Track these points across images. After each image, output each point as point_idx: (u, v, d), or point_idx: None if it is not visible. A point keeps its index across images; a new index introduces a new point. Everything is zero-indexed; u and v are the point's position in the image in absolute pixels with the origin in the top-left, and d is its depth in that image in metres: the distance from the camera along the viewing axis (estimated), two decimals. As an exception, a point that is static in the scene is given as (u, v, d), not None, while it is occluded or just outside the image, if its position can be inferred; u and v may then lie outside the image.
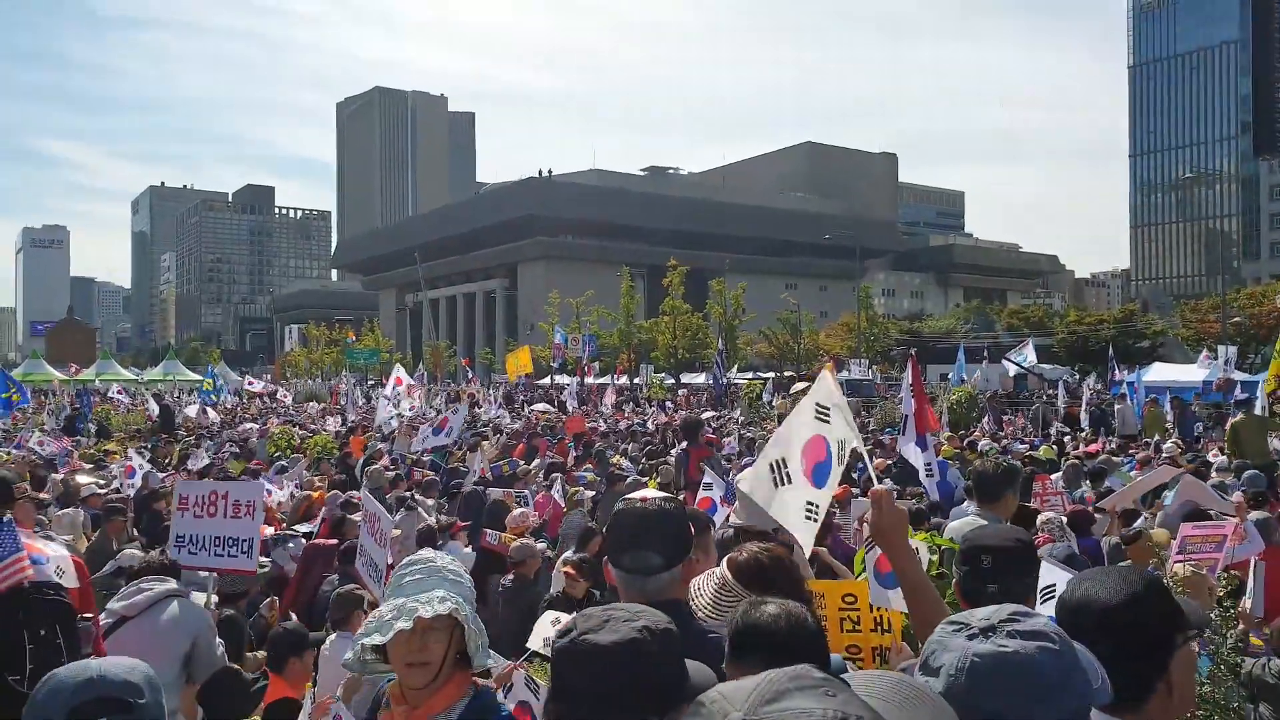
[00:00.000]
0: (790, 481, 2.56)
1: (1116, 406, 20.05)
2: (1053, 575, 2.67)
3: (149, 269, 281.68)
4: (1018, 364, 34.39)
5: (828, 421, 2.62)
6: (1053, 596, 2.45)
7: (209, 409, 27.67)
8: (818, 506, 2.56)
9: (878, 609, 3.14)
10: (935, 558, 3.49)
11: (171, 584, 4.43)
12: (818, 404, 2.66)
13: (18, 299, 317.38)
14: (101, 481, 12.26)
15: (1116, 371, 27.32)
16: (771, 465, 2.65)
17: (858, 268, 66.41)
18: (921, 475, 7.27)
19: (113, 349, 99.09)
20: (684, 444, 10.90)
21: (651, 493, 2.64)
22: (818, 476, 2.58)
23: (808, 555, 2.44)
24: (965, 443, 15.08)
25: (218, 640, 4.42)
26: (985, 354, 37.20)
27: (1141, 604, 1.70)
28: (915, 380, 7.97)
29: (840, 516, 7.20)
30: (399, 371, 22.28)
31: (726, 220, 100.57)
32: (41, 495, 10.13)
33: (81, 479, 12.55)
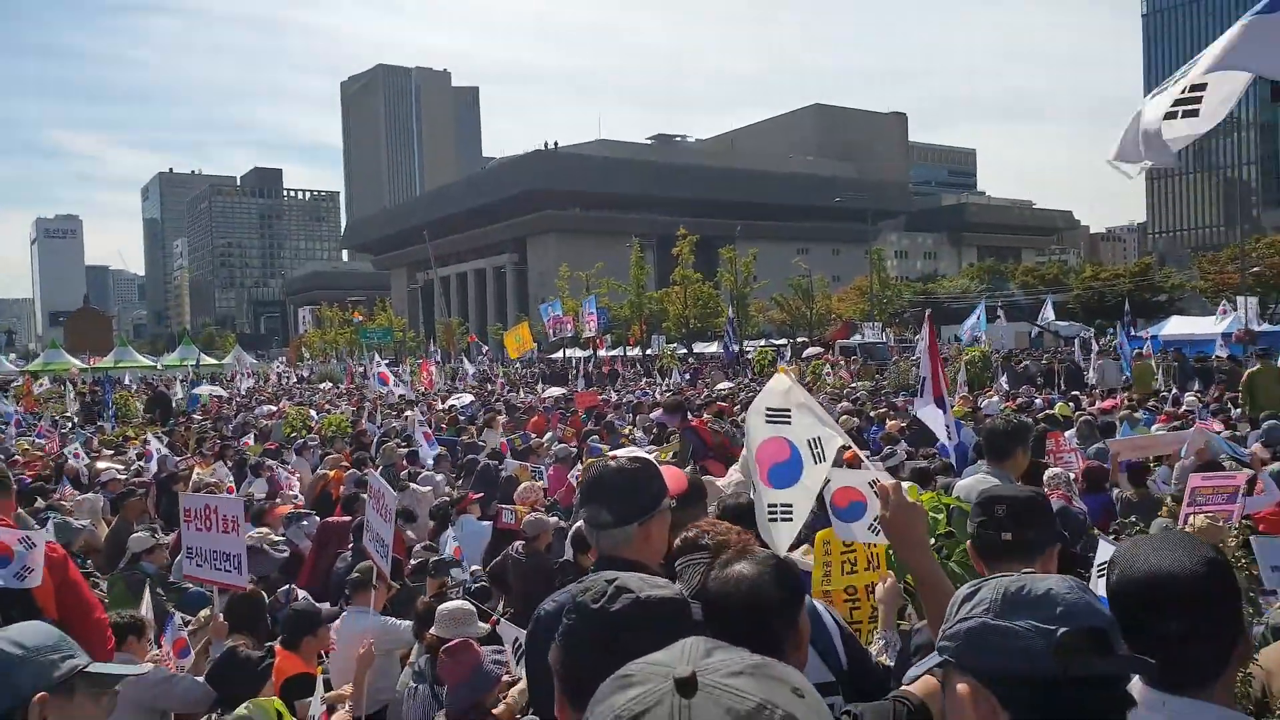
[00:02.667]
0: (756, 488, 2.62)
1: (1096, 362, 19.86)
2: (1108, 552, 2.61)
3: (162, 255, 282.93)
4: (1042, 326, 34.27)
5: (787, 423, 2.63)
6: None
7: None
8: (780, 505, 2.59)
9: (871, 547, 3.23)
10: (942, 516, 3.47)
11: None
12: (768, 409, 2.67)
13: (35, 289, 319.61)
14: (120, 466, 12.39)
15: (1132, 328, 27.09)
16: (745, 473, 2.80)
17: (870, 230, 66.00)
18: (942, 437, 7.20)
19: (130, 336, 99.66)
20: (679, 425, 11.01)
21: (624, 452, 2.66)
22: (776, 478, 2.60)
23: (781, 555, 2.42)
24: (976, 401, 15.05)
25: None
26: (999, 313, 36.99)
27: (1216, 576, 1.57)
28: (931, 341, 7.87)
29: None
30: (382, 367, 23.42)
31: (736, 187, 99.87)
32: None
33: (101, 464, 12.70)
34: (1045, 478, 5.74)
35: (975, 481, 4.02)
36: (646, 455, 2.64)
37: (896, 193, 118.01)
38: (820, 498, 2.79)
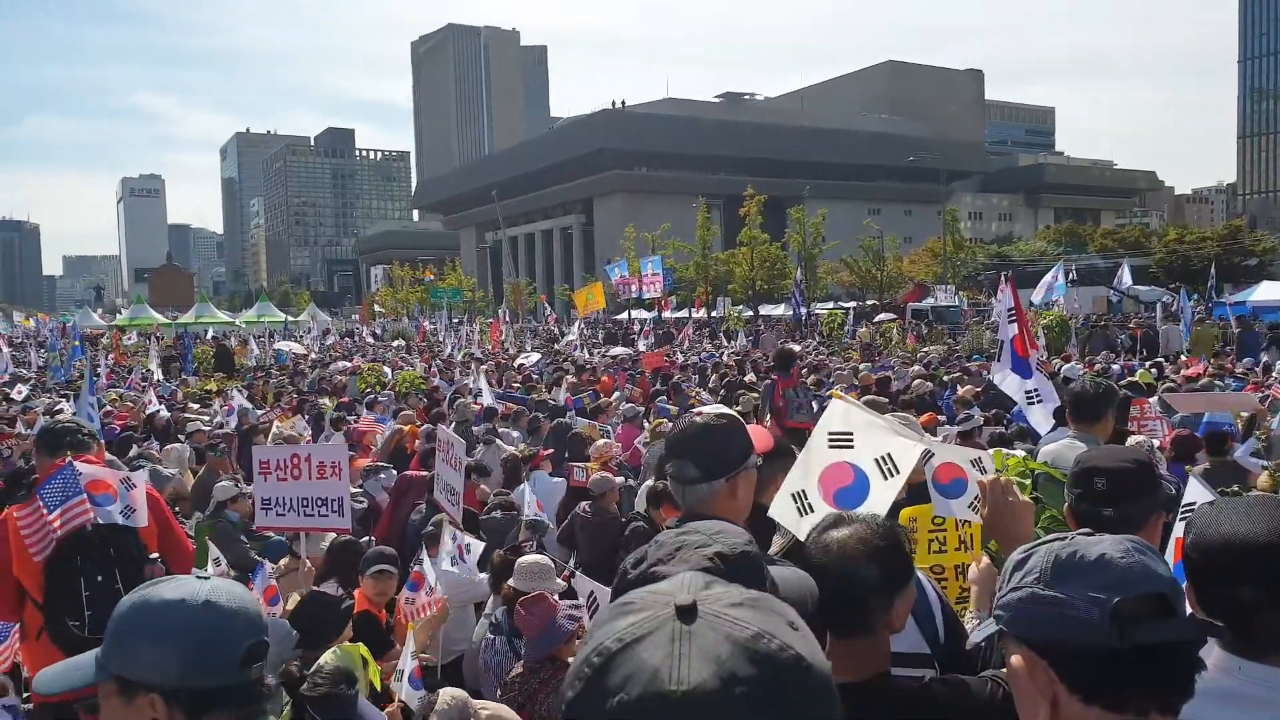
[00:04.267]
0: (813, 510, 2.55)
1: (1162, 327, 19.10)
2: (1197, 494, 2.47)
3: (239, 214, 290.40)
4: (1117, 289, 33.04)
5: (850, 447, 2.60)
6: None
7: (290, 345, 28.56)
8: None
9: (963, 527, 3.17)
10: (1029, 482, 3.38)
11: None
12: (830, 433, 2.65)
13: (121, 247, 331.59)
14: (206, 418, 12.86)
15: (1216, 293, 25.97)
16: (793, 496, 2.64)
17: (943, 190, 64.27)
18: (1023, 403, 6.99)
19: (209, 292, 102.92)
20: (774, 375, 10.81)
21: (710, 408, 2.67)
22: (842, 501, 2.56)
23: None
24: (1055, 368, 14.63)
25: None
26: (1075, 276, 35.76)
27: None
28: (1015, 303, 7.63)
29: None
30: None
31: (805, 145, 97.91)
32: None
33: (187, 415, 13.20)
34: (1129, 446, 5.54)
35: (1063, 447, 3.90)
36: (733, 412, 2.62)
37: (971, 152, 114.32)
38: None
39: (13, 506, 3.70)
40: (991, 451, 3.52)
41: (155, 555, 3.82)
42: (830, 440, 2.65)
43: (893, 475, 2.53)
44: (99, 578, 3.57)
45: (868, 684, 1.81)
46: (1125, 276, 32.98)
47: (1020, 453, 4.30)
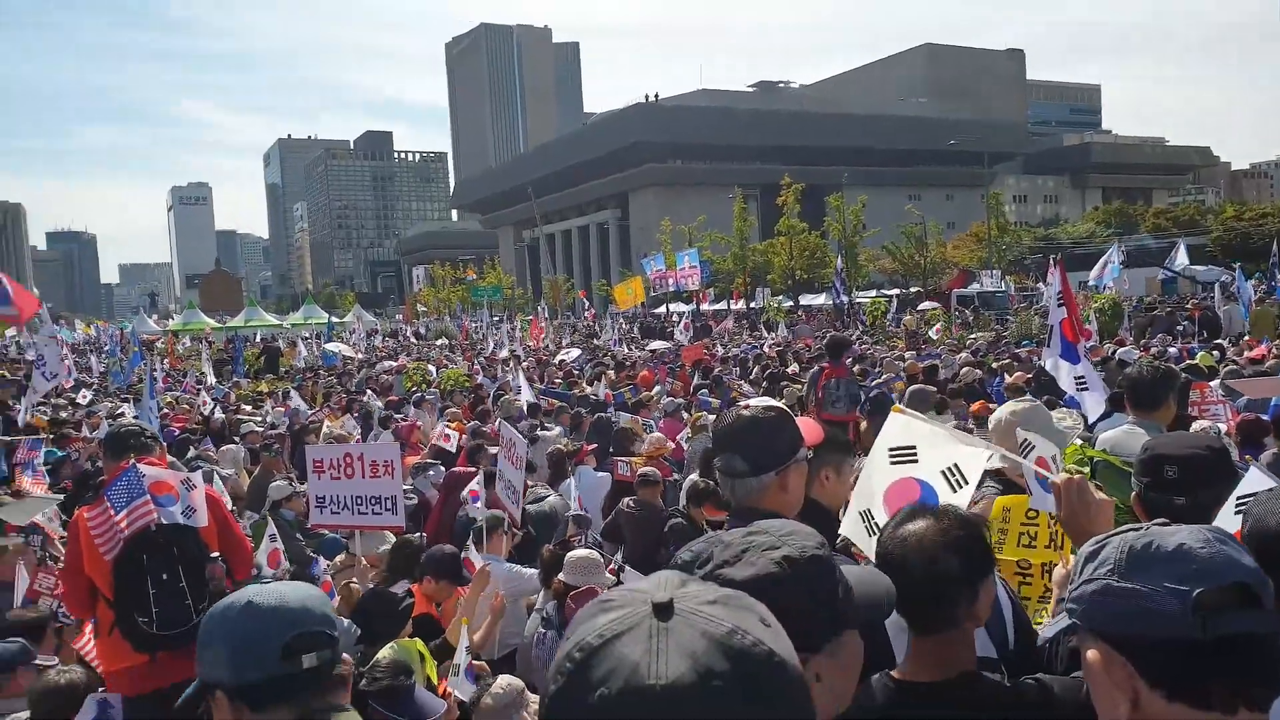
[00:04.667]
0: (879, 530, 2.39)
1: (1223, 308, 18.50)
2: (1257, 483, 2.35)
3: (283, 219, 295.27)
4: (1170, 269, 32.15)
5: (914, 461, 2.51)
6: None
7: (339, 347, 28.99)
8: None
9: (1055, 524, 3.05)
10: (1087, 470, 3.30)
11: None
12: (890, 449, 2.56)
13: (172, 253, 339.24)
14: (258, 419, 13.10)
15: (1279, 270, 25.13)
16: (860, 515, 2.59)
17: (985, 174, 63.15)
18: (1072, 390, 6.83)
19: (257, 296, 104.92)
20: (824, 363, 10.64)
21: (756, 401, 2.60)
22: None
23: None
24: (1109, 352, 14.30)
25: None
26: (1126, 258, 34.90)
27: None
28: (1065, 287, 7.47)
29: (978, 435, 6.94)
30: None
31: (842, 132, 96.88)
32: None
33: (240, 417, 13.46)
34: (1198, 432, 5.40)
35: (1122, 434, 3.80)
36: (781, 405, 2.58)
37: (1014, 133, 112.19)
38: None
39: (83, 508, 3.82)
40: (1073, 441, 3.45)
41: (216, 554, 3.91)
42: (892, 456, 2.57)
43: (962, 486, 2.42)
44: (164, 576, 3.69)
45: (955, 682, 1.75)
46: (1181, 256, 32.03)
47: (1077, 440, 4.21)
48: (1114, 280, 23.45)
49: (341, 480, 5.11)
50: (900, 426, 2.60)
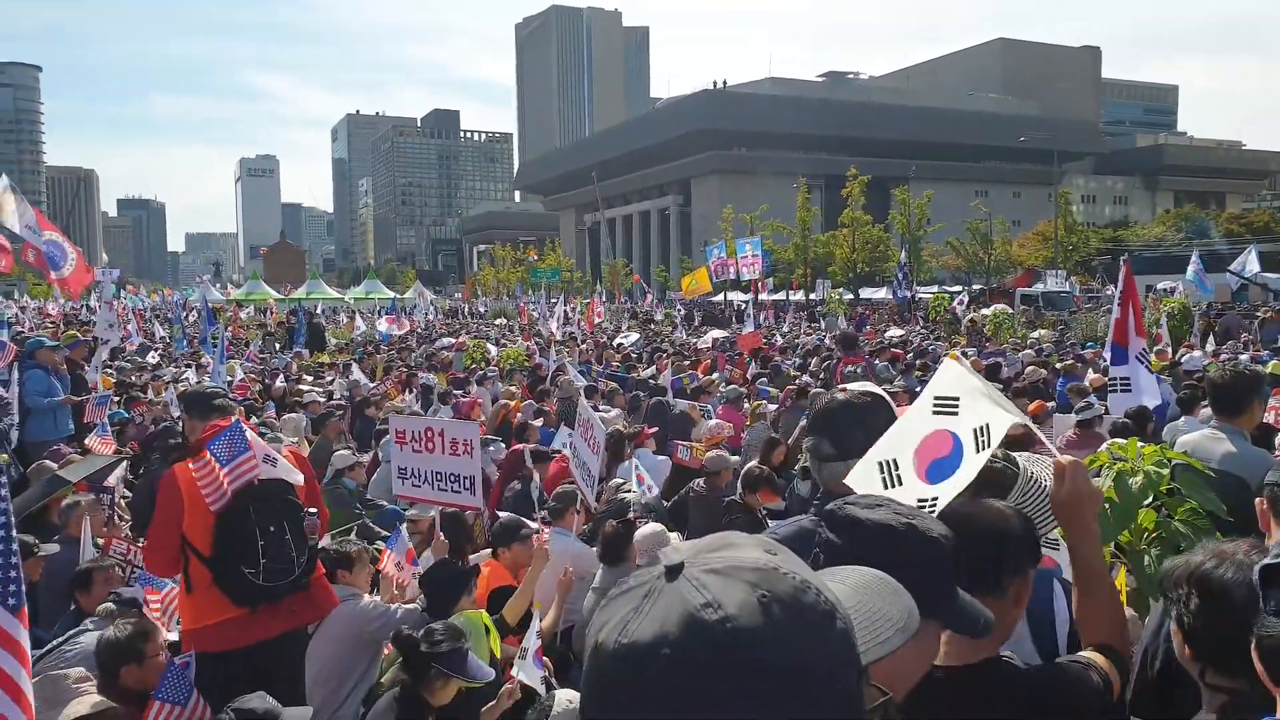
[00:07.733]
0: (900, 484, 2.29)
1: None
2: None
3: (348, 194, 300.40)
4: (1237, 274, 30.97)
5: (954, 413, 2.35)
6: None
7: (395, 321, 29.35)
8: (929, 500, 2.25)
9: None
10: (1166, 472, 3.21)
11: None
12: (936, 397, 2.39)
13: (238, 224, 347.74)
14: (320, 389, 13.40)
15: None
16: (880, 465, 2.36)
17: (1055, 172, 61.53)
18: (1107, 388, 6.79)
19: (319, 269, 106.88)
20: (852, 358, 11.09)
21: (857, 386, 2.52)
22: (934, 474, 2.28)
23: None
24: (1176, 357, 13.91)
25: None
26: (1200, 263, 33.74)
27: None
28: (1128, 287, 7.36)
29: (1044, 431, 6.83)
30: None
31: (911, 125, 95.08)
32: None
33: (303, 387, 13.78)
34: (1277, 441, 5.23)
35: (1203, 438, 3.70)
36: (878, 390, 2.52)
37: (1086, 132, 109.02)
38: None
39: (185, 461, 3.91)
40: (1124, 441, 3.37)
41: (313, 510, 4.03)
42: (936, 405, 2.39)
43: (984, 448, 2.28)
44: (271, 528, 3.79)
45: (983, 666, 1.74)
46: (1252, 262, 30.82)
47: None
48: (1194, 284, 22.81)
49: (423, 454, 5.12)
50: (953, 376, 2.43)
